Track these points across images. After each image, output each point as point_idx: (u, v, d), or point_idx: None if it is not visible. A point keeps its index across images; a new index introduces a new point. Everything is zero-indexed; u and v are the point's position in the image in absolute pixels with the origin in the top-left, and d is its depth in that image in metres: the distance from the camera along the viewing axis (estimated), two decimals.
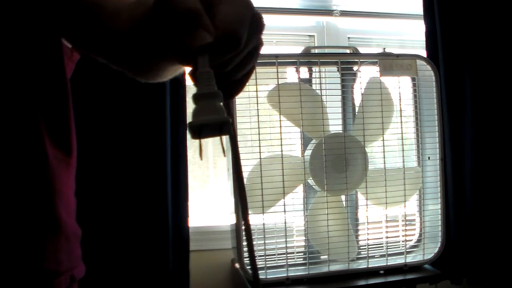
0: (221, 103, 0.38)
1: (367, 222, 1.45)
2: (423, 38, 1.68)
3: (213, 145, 1.74)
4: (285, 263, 1.36)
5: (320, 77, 1.47)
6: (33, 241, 0.60)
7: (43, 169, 0.62)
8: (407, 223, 1.51)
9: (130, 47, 0.56)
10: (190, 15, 0.38)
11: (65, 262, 0.64)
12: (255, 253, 1.36)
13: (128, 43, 0.56)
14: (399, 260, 1.46)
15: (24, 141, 0.60)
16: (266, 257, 1.35)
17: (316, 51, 1.67)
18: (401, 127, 1.47)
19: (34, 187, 0.61)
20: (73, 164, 0.69)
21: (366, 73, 1.46)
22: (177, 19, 0.39)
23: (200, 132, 0.38)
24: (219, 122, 0.38)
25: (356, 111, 1.45)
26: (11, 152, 0.59)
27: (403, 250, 1.48)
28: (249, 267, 1.34)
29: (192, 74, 0.40)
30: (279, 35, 1.78)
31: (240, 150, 1.51)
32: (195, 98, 0.38)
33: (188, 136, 1.50)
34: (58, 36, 0.63)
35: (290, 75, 1.41)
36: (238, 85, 0.44)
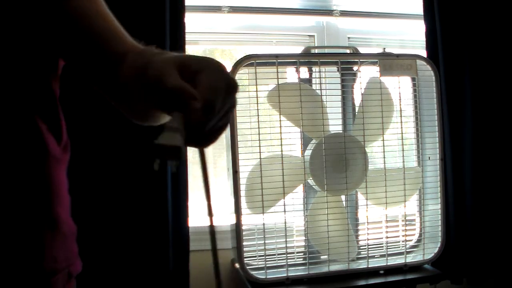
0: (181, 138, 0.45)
1: (367, 222, 1.45)
2: (423, 38, 1.68)
3: (213, 145, 1.73)
4: (285, 263, 1.36)
5: (320, 77, 1.47)
6: (33, 241, 0.61)
7: (42, 168, 0.62)
8: (407, 223, 1.51)
9: (127, 96, 0.61)
10: (178, 91, 0.47)
11: (62, 259, 0.65)
12: (256, 253, 1.36)
13: (126, 93, 0.61)
14: (399, 260, 1.46)
15: (25, 141, 0.61)
16: (266, 257, 1.35)
17: (316, 51, 1.67)
18: (401, 127, 1.47)
19: (33, 186, 0.61)
20: (67, 161, 0.70)
21: (366, 73, 1.46)
22: (168, 94, 0.47)
23: (157, 151, 0.44)
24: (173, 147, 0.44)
25: (356, 111, 1.45)
26: (11, 151, 0.59)
27: (403, 250, 1.48)
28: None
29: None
30: (279, 35, 1.78)
31: (240, 150, 1.51)
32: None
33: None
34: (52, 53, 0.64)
35: (290, 75, 1.41)
36: (211, 137, 0.52)
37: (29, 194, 0.61)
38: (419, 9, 1.69)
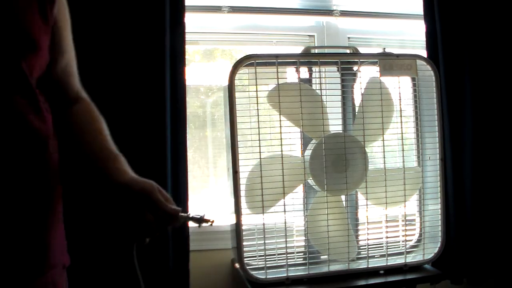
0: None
1: (367, 222, 1.45)
2: (423, 38, 1.68)
3: (213, 145, 1.74)
4: (285, 263, 1.36)
5: (320, 77, 1.47)
6: (40, 238, 0.62)
7: (47, 164, 0.63)
8: (407, 223, 1.51)
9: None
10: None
11: (58, 252, 0.67)
12: (256, 253, 1.36)
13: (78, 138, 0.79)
14: (399, 260, 1.46)
15: (28, 138, 0.61)
16: (266, 257, 1.35)
17: (316, 51, 1.67)
18: (401, 127, 1.47)
19: (41, 182, 0.62)
20: (57, 147, 0.71)
21: (366, 73, 1.46)
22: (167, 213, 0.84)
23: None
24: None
25: (356, 111, 1.45)
26: (17, 149, 0.60)
27: (403, 250, 1.48)
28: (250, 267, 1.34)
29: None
30: (279, 35, 1.78)
31: (240, 150, 1.51)
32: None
33: (188, 136, 1.50)
34: None
35: (290, 75, 1.41)
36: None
37: (36, 191, 0.62)
38: (419, 9, 1.69)
